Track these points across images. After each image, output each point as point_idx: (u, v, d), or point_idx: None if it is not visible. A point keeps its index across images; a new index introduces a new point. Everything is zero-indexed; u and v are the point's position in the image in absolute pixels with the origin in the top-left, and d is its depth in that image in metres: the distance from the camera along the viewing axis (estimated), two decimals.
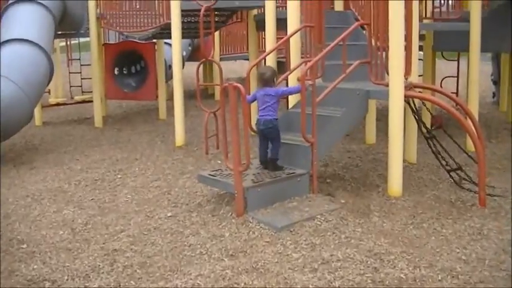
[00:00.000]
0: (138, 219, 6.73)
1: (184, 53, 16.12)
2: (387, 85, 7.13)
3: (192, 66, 17.79)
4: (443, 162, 7.81)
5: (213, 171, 7.22)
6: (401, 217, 6.58)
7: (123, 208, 7.17)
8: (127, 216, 6.83)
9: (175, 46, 10.28)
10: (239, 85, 6.19)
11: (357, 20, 9.20)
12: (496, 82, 14.42)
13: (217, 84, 11.28)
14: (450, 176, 7.80)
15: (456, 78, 13.20)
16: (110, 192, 7.80)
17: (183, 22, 10.72)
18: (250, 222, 6.36)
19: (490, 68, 15.62)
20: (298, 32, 8.07)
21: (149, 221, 6.64)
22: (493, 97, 14.93)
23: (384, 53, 7.31)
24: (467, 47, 9.73)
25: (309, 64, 6.96)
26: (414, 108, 7.71)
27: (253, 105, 7.77)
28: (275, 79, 7.30)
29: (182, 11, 10.26)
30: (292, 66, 8.08)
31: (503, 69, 13.19)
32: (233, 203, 6.69)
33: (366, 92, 7.39)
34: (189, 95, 15.72)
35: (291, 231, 6.11)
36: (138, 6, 11.87)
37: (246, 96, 6.31)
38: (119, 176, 8.59)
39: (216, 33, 15.90)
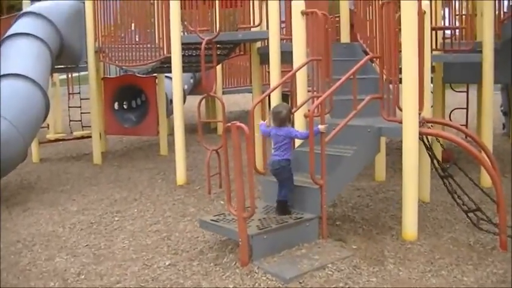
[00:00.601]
0: (135, 268, 6.22)
1: (186, 87, 15.66)
2: (400, 122, 6.65)
3: (194, 99, 17.43)
4: (460, 201, 7.32)
5: (215, 216, 6.70)
6: (418, 264, 6.09)
7: (120, 255, 6.66)
8: (123, 265, 6.32)
9: (176, 80, 9.84)
10: (242, 125, 5.70)
11: (365, 52, 8.80)
12: (506, 113, 13.92)
13: (219, 121, 10.80)
14: (467, 216, 7.29)
15: (466, 110, 12.78)
16: (106, 237, 7.29)
17: (183, 55, 10.29)
18: (256, 272, 5.84)
19: (499, 98, 15.14)
20: (305, 66, 7.59)
21: (147, 271, 6.13)
22: (503, 128, 14.43)
23: (395, 87, 6.85)
24: (479, 79, 9.27)
25: (317, 101, 6.47)
26: (428, 145, 7.21)
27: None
28: (291, 117, 6.90)
29: (183, 44, 9.81)
30: (299, 102, 7.58)
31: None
32: (237, 251, 6.17)
33: (377, 130, 6.92)
34: (190, 130, 15.19)
35: (300, 282, 5.61)
36: (137, 40, 11.42)
37: (247, 131, 5.77)
38: (116, 219, 8.08)
39: (219, 66, 15.44)
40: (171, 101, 13.52)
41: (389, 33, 6.78)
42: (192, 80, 16.59)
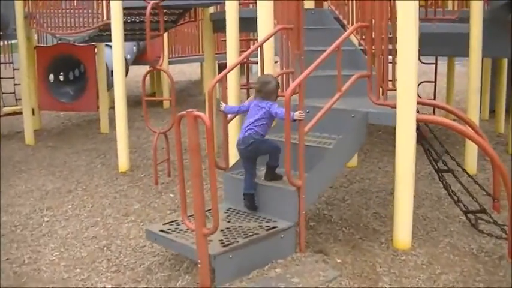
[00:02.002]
0: None
1: (129, 56, 13.97)
2: (394, 106, 5.30)
3: (138, 69, 15.81)
4: (455, 198, 6.10)
5: (166, 224, 5.26)
6: (418, 281, 4.88)
7: (47, 274, 5.24)
8: None
9: (117, 50, 8.33)
10: (201, 114, 4.25)
11: (337, 19, 7.42)
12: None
13: (167, 99, 9.21)
14: (467, 217, 6.06)
15: (434, 84, 11.60)
16: (32, 247, 5.83)
17: (125, 22, 8.73)
18: None
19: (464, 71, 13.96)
20: (273, 36, 6.17)
21: None
22: None
23: (384, 63, 5.50)
24: (464, 52, 7.97)
25: (296, 81, 5.03)
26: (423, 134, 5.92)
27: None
28: (278, 92, 5.55)
29: (124, 9, 8.26)
30: None
31: (485, 74, 11.39)
32: (195, 271, 4.79)
33: (363, 115, 5.56)
34: (134, 103, 13.63)
35: None
36: (73, 4, 9.77)
37: (207, 121, 4.30)
38: (46, 220, 6.60)
39: (165, 34, 13.83)
40: (112, 72, 12.06)
41: None
42: (135, 49, 14.82)
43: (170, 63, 14.66)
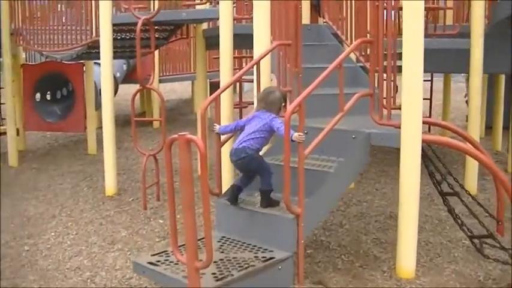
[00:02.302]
0: None
1: (118, 74, 13.55)
2: (398, 126, 4.93)
3: (128, 88, 15.40)
4: (459, 222, 5.73)
5: (154, 255, 4.83)
6: None
7: None
8: None
9: (105, 68, 7.94)
10: (194, 138, 3.86)
11: (335, 35, 7.07)
12: None
13: (157, 120, 8.77)
14: (472, 242, 5.68)
15: (429, 101, 11.21)
16: (10, 280, 5.38)
17: (115, 39, 8.35)
18: None
19: (462, 87, 13.65)
20: (269, 54, 5.80)
21: None
22: (467, 121, 12.88)
23: (389, 81, 5.14)
24: (464, 68, 7.63)
25: (296, 101, 4.65)
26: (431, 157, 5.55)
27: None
28: (281, 107, 5.16)
29: (114, 25, 7.89)
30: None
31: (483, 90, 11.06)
32: None
33: (365, 136, 5.18)
34: (123, 122, 13.27)
35: None
36: (61, 21, 9.38)
37: (201, 146, 3.90)
38: (26, 249, 6.18)
39: (156, 51, 13.45)
40: (101, 91, 11.68)
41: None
42: (125, 66, 14.41)
43: (161, 81, 14.23)
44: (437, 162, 5.91)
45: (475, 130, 7.55)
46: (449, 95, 11.85)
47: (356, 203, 7.36)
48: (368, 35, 6.01)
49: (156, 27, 8.26)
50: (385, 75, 5.12)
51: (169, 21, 8.40)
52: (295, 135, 4.58)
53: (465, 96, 12.91)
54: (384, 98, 5.21)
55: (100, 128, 9.87)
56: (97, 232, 6.56)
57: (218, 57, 7.16)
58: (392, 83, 5.18)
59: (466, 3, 8.29)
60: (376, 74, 5.33)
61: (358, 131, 5.22)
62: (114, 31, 8.04)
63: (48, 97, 11.72)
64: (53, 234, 6.58)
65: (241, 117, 8.92)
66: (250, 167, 4.97)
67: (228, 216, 5.15)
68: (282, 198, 4.63)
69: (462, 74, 13.83)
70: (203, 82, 8.99)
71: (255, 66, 5.69)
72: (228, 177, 6.48)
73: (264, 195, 4.98)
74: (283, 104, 5.15)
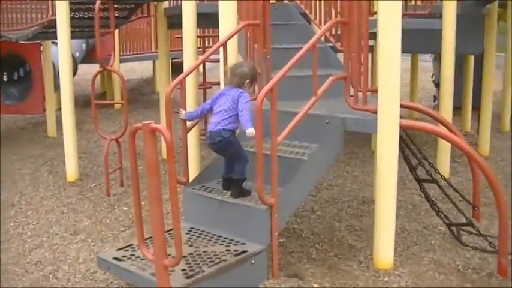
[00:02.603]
0: None
1: (78, 54, 13.10)
2: (374, 112, 4.69)
3: (88, 68, 14.97)
4: (436, 209, 5.55)
5: (119, 250, 4.54)
6: None
7: None
8: None
9: (63, 48, 7.55)
10: (160, 127, 3.57)
11: (304, 14, 6.80)
12: (438, 84, 12.17)
13: (118, 102, 8.38)
14: (450, 230, 5.51)
15: None
16: None
17: (73, 18, 7.97)
18: None
19: (422, 67, 13.46)
20: (236, 34, 5.49)
21: None
22: (434, 101, 12.75)
23: (364, 63, 4.89)
24: (436, 48, 7.44)
25: (268, 85, 4.35)
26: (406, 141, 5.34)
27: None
28: (252, 83, 4.87)
29: (71, 3, 7.49)
30: None
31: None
32: None
33: (340, 121, 4.93)
34: (83, 103, 12.86)
35: None
36: None
37: (167, 136, 3.60)
38: None
39: (116, 31, 12.99)
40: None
41: None
42: (84, 46, 13.93)
43: (121, 61, 13.81)
44: (411, 146, 5.71)
45: (448, 112, 7.39)
46: (417, 75, 11.70)
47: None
48: (338, 15, 5.79)
49: (115, 6, 7.90)
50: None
51: (129, 0, 8.00)
52: (249, 131, 4.31)
53: (432, 76, 12.76)
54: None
55: (59, 109, 9.48)
56: (58, 221, 6.23)
57: (180, 37, 6.82)
58: (365, 65, 4.92)
59: None
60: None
61: (332, 115, 4.97)
62: (71, 10, 7.63)
63: (5, 78, 11.21)
64: (12, 224, 6.22)
65: (205, 99, 8.63)
66: (225, 152, 4.72)
67: (196, 206, 4.89)
68: (254, 188, 4.38)
69: (429, 54, 13.66)
70: (165, 62, 8.64)
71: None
72: (195, 165, 6.20)
73: (236, 184, 4.72)
74: (253, 81, 4.84)
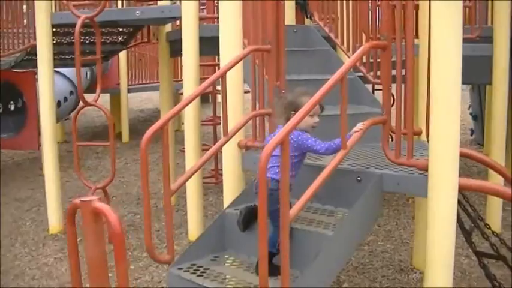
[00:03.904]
0: None
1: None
2: (424, 168, 3.32)
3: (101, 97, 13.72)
4: None
5: None
6: None
7: None
8: None
9: (44, 79, 6.42)
10: (103, 208, 2.25)
11: (327, 38, 5.51)
12: (476, 117, 10.75)
13: (104, 144, 6.85)
14: None
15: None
16: None
17: (61, 43, 6.71)
18: None
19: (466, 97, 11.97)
20: (241, 62, 4.15)
21: None
22: (471, 135, 11.28)
23: (409, 101, 3.53)
24: (486, 79, 6.08)
25: (278, 136, 2.94)
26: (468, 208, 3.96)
27: None
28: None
29: (56, 26, 6.24)
30: (230, 125, 4.11)
31: (489, 101, 9.32)
32: None
33: (377, 179, 3.54)
34: (91, 135, 11.65)
35: None
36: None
37: (114, 224, 2.25)
38: None
39: (123, 58, 11.72)
40: (59, 102, 10.04)
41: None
42: (88, 74, 12.69)
43: (130, 91, 12.48)
44: (466, 206, 4.33)
45: (499, 155, 6.02)
46: None
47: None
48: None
49: (111, 30, 6.65)
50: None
51: (122, 22, 6.67)
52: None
53: (469, 108, 11.31)
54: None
55: (61, 142, 8.24)
56: None
57: None
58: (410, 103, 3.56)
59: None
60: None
61: (365, 171, 3.60)
62: (58, 34, 6.39)
63: (0, 109, 10.01)
64: None
65: (215, 135, 7.40)
66: (269, 207, 3.19)
67: None
68: None
69: None
70: (168, 94, 7.33)
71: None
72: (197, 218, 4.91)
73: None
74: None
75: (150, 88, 13.95)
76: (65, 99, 10.70)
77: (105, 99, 14.93)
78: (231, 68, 3.93)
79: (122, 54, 11.65)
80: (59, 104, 10.25)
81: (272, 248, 3.23)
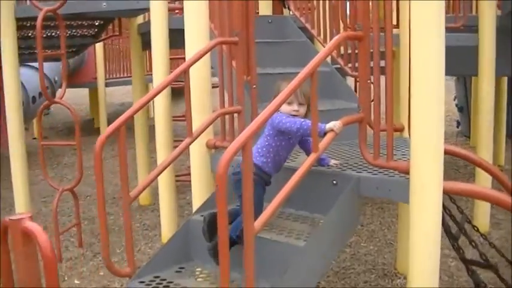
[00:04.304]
0: None
1: (57, 78, 11.45)
2: (405, 171, 3.00)
3: (72, 92, 13.34)
4: None
5: None
6: None
7: None
8: None
9: (10, 74, 5.96)
10: (33, 228, 1.94)
11: (303, 29, 5.19)
12: (462, 108, 10.46)
13: (70, 144, 6.43)
14: None
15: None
16: None
17: (29, 37, 6.36)
18: None
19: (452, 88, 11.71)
20: (207, 55, 3.81)
21: None
22: (457, 126, 10.99)
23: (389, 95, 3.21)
24: (471, 70, 5.77)
25: (238, 140, 2.60)
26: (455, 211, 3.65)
27: None
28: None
29: (20, 19, 5.89)
30: (195, 120, 3.78)
31: (475, 93, 8.99)
32: None
33: (354, 183, 3.22)
34: (68, 131, 11.28)
35: None
36: None
37: (45, 246, 1.99)
38: None
39: (100, 51, 11.35)
40: (34, 98, 9.67)
41: None
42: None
43: (108, 85, 12.08)
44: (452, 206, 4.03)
45: (487, 149, 5.73)
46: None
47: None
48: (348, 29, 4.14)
49: (80, 23, 6.31)
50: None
51: (90, 14, 6.29)
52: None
53: (454, 99, 11.03)
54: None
55: (35, 138, 7.86)
56: None
57: (176, 58, 5.31)
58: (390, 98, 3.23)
59: None
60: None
61: (342, 173, 3.29)
62: (24, 27, 6.04)
63: None
64: None
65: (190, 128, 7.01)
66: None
67: None
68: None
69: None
70: (140, 88, 7.01)
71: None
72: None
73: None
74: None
75: (130, 82, 13.55)
76: (40, 94, 10.30)
77: (84, 93, 14.62)
78: (195, 61, 3.59)
79: (99, 48, 11.31)
80: (34, 100, 9.90)
81: (234, 232, 2.97)
